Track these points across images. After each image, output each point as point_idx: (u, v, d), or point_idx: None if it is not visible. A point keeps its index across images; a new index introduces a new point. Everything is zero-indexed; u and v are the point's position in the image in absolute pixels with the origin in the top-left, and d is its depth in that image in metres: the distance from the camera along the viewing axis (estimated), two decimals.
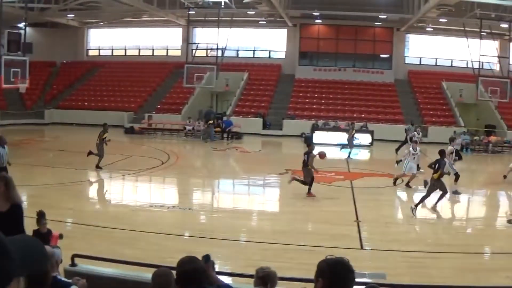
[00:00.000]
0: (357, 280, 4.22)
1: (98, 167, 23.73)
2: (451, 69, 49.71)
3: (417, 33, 49.66)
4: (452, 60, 50.32)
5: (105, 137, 24.13)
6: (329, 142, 36.15)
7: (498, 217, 20.07)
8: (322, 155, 21.52)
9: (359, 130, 37.74)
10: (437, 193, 18.67)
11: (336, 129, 38.61)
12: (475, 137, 39.54)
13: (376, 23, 47.97)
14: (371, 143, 37.30)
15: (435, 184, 18.72)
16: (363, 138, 37.24)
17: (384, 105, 44.14)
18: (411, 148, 23.90)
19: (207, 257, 6.01)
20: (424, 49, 50.41)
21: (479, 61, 38.97)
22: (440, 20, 41.57)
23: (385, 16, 44.45)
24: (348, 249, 13.13)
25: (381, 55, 50.06)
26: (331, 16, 45.48)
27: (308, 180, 20.37)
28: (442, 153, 19.53)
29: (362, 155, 35.45)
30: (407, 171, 23.08)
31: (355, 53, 49.31)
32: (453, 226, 18.48)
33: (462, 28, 40.37)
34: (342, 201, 19.77)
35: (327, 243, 13.80)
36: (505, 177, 25.18)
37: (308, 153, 20.59)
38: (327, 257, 4.15)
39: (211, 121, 38.09)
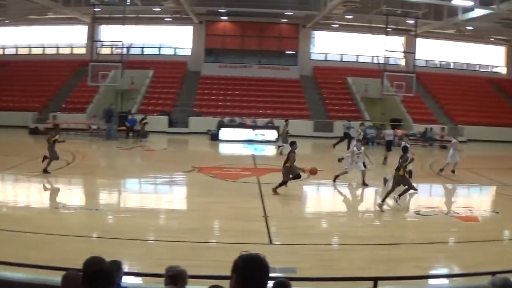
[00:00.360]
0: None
1: (45, 171, 22.91)
2: (356, 65, 50.88)
3: (322, 30, 50.52)
4: (357, 56, 51.47)
5: (57, 139, 23.40)
6: (235, 139, 36.30)
7: (406, 208, 20.50)
8: (313, 172, 21.37)
9: (265, 126, 38.06)
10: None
11: (242, 125, 38.75)
12: (381, 131, 40.39)
13: (282, 20, 48.40)
14: (277, 139, 37.48)
15: (399, 180, 19.15)
16: (269, 134, 37.57)
17: (290, 101, 44.62)
18: (355, 148, 24.11)
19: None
20: (330, 45, 51.27)
21: (385, 57, 39.78)
22: (346, 16, 42.26)
23: (291, 13, 44.90)
24: (257, 245, 13.10)
25: (287, 52, 50.66)
26: (237, 13, 45.65)
27: (287, 179, 20.42)
28: (405, 149, 20.06)
29: (269, 151, 35.72)
30: (351, 169, 23.33)
31: (260, 50, 49.70)
32: (362, 218, 18.89)
33: (368, 25, 41.15)
34: (249, 197, 19.72)
35: (237, 240, 13.71)
36: (441, 170, 26.73)
37: (289, 153, 20.67)
38: (242, 253, 4.12)
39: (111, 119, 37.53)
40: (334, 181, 23.13)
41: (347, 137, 35.27)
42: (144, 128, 36.79)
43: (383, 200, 18.85)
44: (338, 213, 19.12)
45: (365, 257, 13.36)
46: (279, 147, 32.32)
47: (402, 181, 19.32)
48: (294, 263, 12.25)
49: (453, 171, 26.83)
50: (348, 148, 32.41)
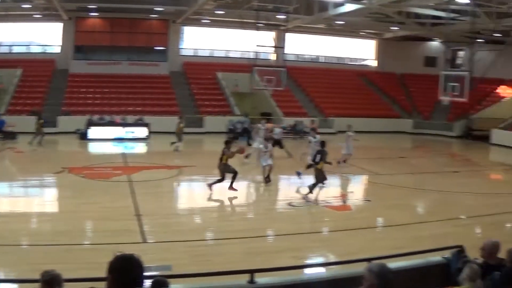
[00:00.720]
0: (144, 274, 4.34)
1: None
2: (226, 60, 51.18)
3: (193, 25, 50.39)
4: (227, 51, 51.73)
5: None
6: (105, 137, 35.89)
7: (279, 200, 21.04)
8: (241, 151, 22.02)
9: (135, 124, 37.83)
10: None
11: (111, 123, 38.21)
12: (252, 125, 40.94)
13: (152, 15, 48.02)
14: (148, 136, 37.46)
15: (316, 172, 20.41)
16: (139, 131, 37.34)
17: (159, 97, 44.38)
18: (261, 146, 24.46)
19: None
20: (200, 40, 51.31)
21: (255, 52, 40.19)
22: (217, 12, 42.34)
23: (161, 9, 44.59)
24: (131, 244, 13.17)
25: (156, 48, 50.30)
26: (107, 9, 44.86)
27: (222, 176, 20.68)
28: (323, 144, 21.27)
29: (139, 148, 35.54)
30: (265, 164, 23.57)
31: (130, 46, 49.09)
32: (236, 212, 19.25)
33: (239, 20, 41.46)
34: (121, 196, 19.65)
35: (110, 240, 13.70)
36: (339, 162, 27.56)
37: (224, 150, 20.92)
38: (117, 253, 4.24)
39: None
40: (266, 182, 23.22)
41: (246, 132, 35.69)
42: (41, 128, 35.20)
43: (309, 193, 20.15)
44: (211, 208, 19.41)
45: (240, 250, 13.71)
46: (172, 143, 32.03)
47: (317, 174, 20.49)
48: (170, 260, 12.42)
49: (344, 161, 28.03)
50: (249, 144, 33.13)
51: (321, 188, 20.86)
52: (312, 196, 20.20)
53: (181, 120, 33.38)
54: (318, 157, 20.68)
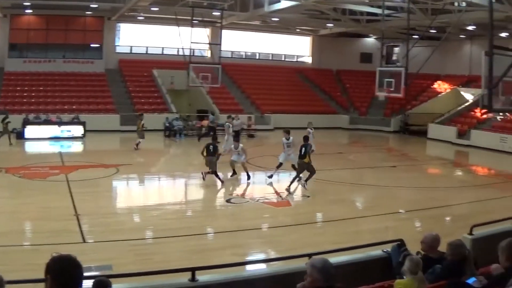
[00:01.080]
0: (84, 274, 4.37)
1: None
2: (162, 57, 50.99)
3: (128, 22, 49.96)
4: (163, 48, 51.52)
5: None
6: (41, 136, 35.40)
7: (216, 197, 21.12)
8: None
9: (71, 122, 37.41)
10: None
11: (47, 122, 37.61)
12: (189, 122, 40.94)
13: (87, 12, 47.40)
14: (84, 135, 36.96)
15: (304, 166, 21.42)
16: (75, 130, 36.90)
17: (95, 95, 43.92)
18: (232, 146, 24.73)
19: None
20: (135, 37, 50.95)
21: (190, 48, 40.11)
22: (152, 8, 42.10)
23: (96, 6, 44.09)
24: (71, 244, 13.13)
25: (92, 45, 49.68)
26: (42, 6, 43.99)
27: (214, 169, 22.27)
28: (306, 138, 22.13)
29: (76, 147, 34.98)
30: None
31: (65, 44, 48.29)
32: (175, 210, 19.14)
33: (174, 17, 41.29)
34: (59, 196, 19.39)
35: (50, 240, 13.58)
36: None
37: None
38: (53, 254, 4.27)
39: None
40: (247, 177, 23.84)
41: (212, 130, 35.73)
42: (7, 128, 34.37)
43: (290, 185, 21.37)
44: (150, 206, 19.26)
45: (181, 248, 13.77)
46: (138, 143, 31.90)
47: (308, 167, 21.37)
48: (110, 260, 12.40)
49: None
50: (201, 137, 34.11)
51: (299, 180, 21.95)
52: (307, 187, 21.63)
53: (141, 118, 33.27)
54: (303, 151, 21.41)
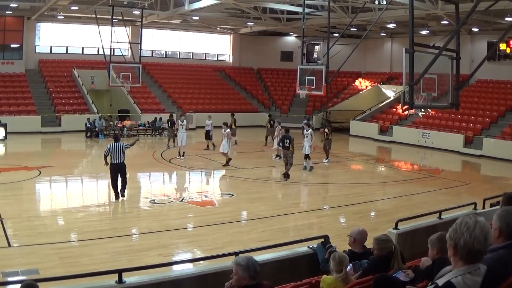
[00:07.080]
0: (10, 279, 4.50)
1: None
2: (82, 57, 50.54)
3: (48, 22, 49.17)
4: (83, 47, 50.97)
5: None
6: None
7: (140, 198, 21.10)
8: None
9: None
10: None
11: None
12: (110, 122, 40.67)
13: (7, 12, 46.46)
14: (5, 137, 36.20)
15: (291, 155, 24.50)
16: None
17: (15, 96, 43.13)
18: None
19: None
20: (56, 37, 50.18)
21: (111, 48, 39.82)
22: (72, 8, 41.57)
23: (16, 5, 43.26)
24: None
25: (11, 45, 48.74)
26: None
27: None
28: (287, 130, 24.83)
29: None
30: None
31: None
32: (98, 212, 19.03)
33: (94, 16, 40.95)
34: None
35: None
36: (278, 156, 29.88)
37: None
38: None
39: None
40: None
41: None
42: None
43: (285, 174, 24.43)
44: (74, 208, 19.14)
45: (107, 250, 13.83)
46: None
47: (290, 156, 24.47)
48: (36, 264, 12.36)
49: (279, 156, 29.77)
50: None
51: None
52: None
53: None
54: (287, 142, 24.13)
